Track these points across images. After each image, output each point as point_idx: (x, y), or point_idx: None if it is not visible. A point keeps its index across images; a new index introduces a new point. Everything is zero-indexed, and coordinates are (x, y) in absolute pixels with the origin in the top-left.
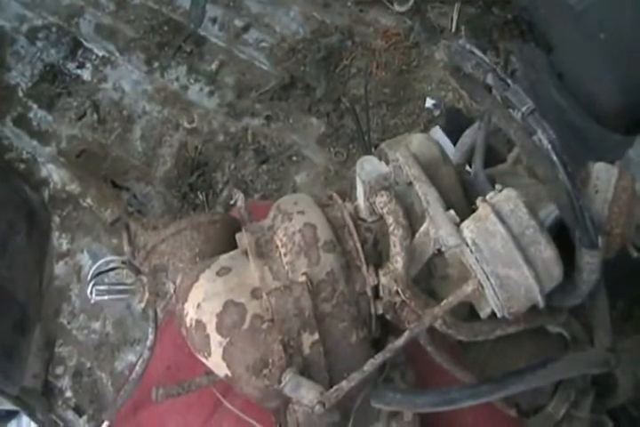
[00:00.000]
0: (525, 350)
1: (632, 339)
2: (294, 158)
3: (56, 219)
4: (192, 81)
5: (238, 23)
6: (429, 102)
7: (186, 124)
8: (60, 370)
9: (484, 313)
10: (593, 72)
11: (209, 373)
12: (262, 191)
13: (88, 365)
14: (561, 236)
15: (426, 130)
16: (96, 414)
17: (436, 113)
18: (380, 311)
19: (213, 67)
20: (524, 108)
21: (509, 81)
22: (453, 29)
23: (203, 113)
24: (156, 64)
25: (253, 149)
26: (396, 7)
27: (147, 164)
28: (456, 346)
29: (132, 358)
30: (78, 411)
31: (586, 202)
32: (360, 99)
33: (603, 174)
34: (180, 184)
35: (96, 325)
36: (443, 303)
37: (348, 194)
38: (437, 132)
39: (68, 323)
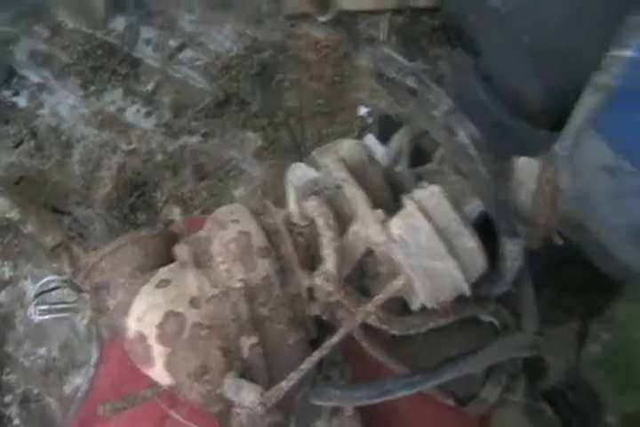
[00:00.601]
0: (457, 340)
1: (563, 327)
2: (232, 173)
3: None
4: (129, 103)
5: (173, 43)
6: (362, 111)
7: (124, 147)
8: (7, 398)
9: (414, 306)
10: (518, 73)
11: (153, 385)
12: (202, 207)
13: (36, 391)
14: (487, 229)
15: (360, 137)
16: None
17: (370, 121)
18: (317, 312)
19: (149, 88)
20: (444, 108)
21: (429, 82)
22: (384, 38)
23: (140, 134)
24: (92, 88)
25: (192, 166)
26: (320, 18)
27: (86, 187)
28: (390, 341)
29: (79, 380)
30: None
31: (507, 193)
32: (295, 111)
33: (526, 168)
34: (120, 206)
35: (42, 350)
36: (374, 299)
37: (281, 202)
38: (371, 140)
39: (14, 351)
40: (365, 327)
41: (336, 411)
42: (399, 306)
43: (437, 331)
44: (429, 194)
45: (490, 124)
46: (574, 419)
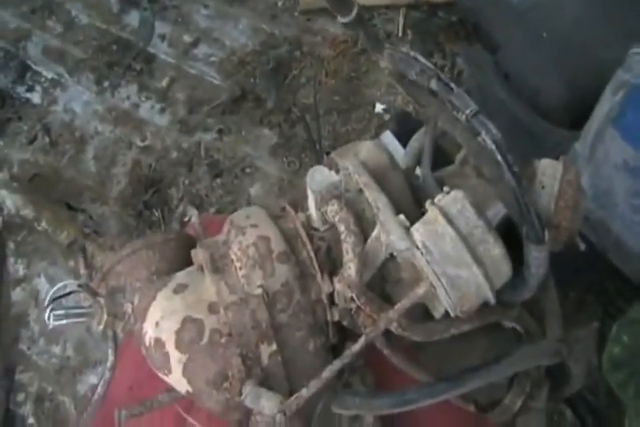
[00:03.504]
0: (480, 346)
1: (585, 329)
2: (248, 170)
3: (11, 245)
4: (143, 99)
5: (187, 39)
6: (379, 107)
7: (138, 143)
8: (21, 397)
9: (437, 313)
10: (537, 70)
11: (170, 390)
12: (217, 205)
13: (50, 390)
14: (510, 233)
15: (377, 135)
16: None
17: (387, 118)
18: (337, 318)
19: (164, 83)
20: (467, 111)
21: (453, 85)
22: (400, 34)
23: (155, 130)
24: (106, 84)
25: (207, 163)
26: (340, 19)
27: (101, 184)
28: (412, 348)
29: (93, 379)
30: None
31: (531, 198)
32: (311, 108)
33: (548, 170)
34: (134, 202)
35: (56, 349)
36: (397, 306)
37: (300, 204)
38: (388, 137)
39: (28, 349)
40: (387, 334)
41: (356, 419)
42: (421, 312)
43: (460, 337)
44: (453, 199)
45: (509, 122)
46: (594, 422)
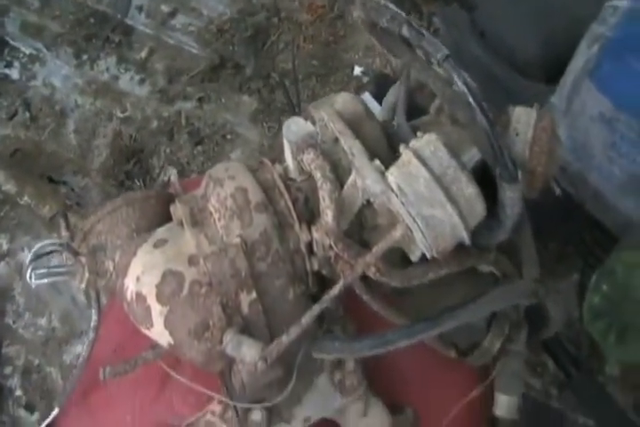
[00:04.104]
0: (458, 291)
1: (566, 281)
2: (228, 137)
3: None
4: (122, 70)
5: (165, 9)
6: (357, 70)
7: (119, 114)
8: (8, 370)
9: (414, 257)
10: (513, 28)
11: (154, 347)
12: (198, 172)
13: (36, 362)
14: (486, 179)
15: None
16: (47, 409)
17: (365, 80)
18: (316, 267)
19: (143, 55)
20: (439, 55)
21: (424, 31)
22: None
23: (135, 101)
24: (84, 57)
25: (188, 131)
26: None
27: (82, 156)
28: (392, 294)
29: (80, 349)
30: (30, 409)
31: (505, 140)
32: (289, 73)
33: (522, 117)
34: (116, 173)
35: (42, 321)
36: (374, 250)
37: (278, 159)
38: (367, 98)
39: (14, 322)
40: (366, 281)
41: (337, 366)
42: (399, 258)
43: (438, 283)
44: (426, 142)
45: (485, 79)
46: (576, 371)
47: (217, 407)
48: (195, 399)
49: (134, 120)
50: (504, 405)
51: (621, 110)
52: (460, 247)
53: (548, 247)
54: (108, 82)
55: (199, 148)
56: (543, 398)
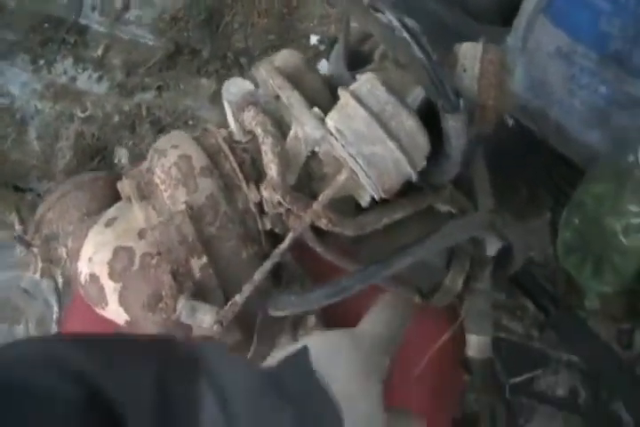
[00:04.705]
0: (415, 232)
1: (538, 220)
2: (190, 122)
3: None
4: (80, 70)
5: (117, 5)
6: (313, 39)
7: (80, 114)
8: None
9: (364, 202)
10: None
11: (116, 331)
12: None
13: None
14: (435, 119)
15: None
16: None
17: (322, 48)
18: (268, 226)
19: (99, 52)
20: None
21: None
22: None
23: (95, 99)
24: (41, 62)
25: (149, 121)
26: None
27: (46, 162)
28: (348, 245)
29: None
30: None
31: (450, 75)
32: (245, 51)
33: (469, 53)
34: (80, 172)
35: (19, 328)
36: (320, 198)
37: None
38: (324, 66)
39: None
40: (319, 234)
41: (298, 323)
42: (351, 208)
43: (395, 226)
44: (363, 81)
45: (438, 29)
46: (555, 309)
47: None
48: None
49: (96, 118)
50: (475, 345)
51: (578, 42)
52: (413, 189)
53: (520, 192)
54: (66, 84)
55: (161, 136)
56: (525, 341)
